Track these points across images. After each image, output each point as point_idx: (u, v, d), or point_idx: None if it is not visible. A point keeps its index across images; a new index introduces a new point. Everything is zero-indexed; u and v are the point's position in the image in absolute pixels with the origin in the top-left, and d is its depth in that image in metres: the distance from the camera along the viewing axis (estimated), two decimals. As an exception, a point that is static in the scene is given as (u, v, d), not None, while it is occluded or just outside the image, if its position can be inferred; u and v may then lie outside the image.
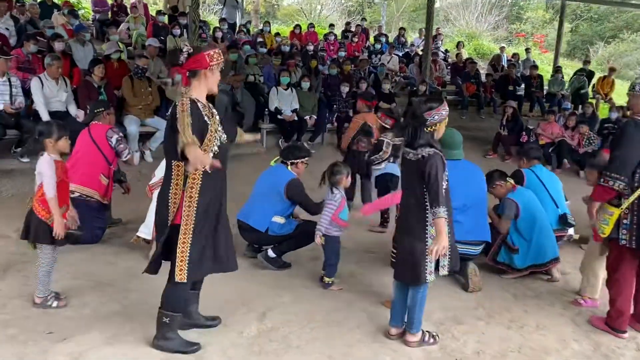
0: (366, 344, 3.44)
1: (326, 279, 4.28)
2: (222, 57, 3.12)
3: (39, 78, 6.54)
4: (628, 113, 7.37)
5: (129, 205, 5.52)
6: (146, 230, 4.56)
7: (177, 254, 2.94)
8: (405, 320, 3.46)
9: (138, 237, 4.61)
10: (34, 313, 3.54)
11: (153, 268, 3.19)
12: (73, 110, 6.85)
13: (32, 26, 9.28)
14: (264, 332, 3.46)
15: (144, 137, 7.53)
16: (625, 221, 3.59)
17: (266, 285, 4.22)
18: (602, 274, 4.04)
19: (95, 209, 4.79)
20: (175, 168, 2.94)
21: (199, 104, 2.93)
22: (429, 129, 3.21)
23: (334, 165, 4.33)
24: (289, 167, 4.67)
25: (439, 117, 3.23)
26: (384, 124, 5.53)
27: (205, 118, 2.93)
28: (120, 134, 5.09)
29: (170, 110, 3.00)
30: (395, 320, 3.51)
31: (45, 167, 3.44)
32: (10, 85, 6.38)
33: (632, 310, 3.80)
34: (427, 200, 3.19)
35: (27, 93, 6.73)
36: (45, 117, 6.24)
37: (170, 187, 2.97)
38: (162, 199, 3.03)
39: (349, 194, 6.26)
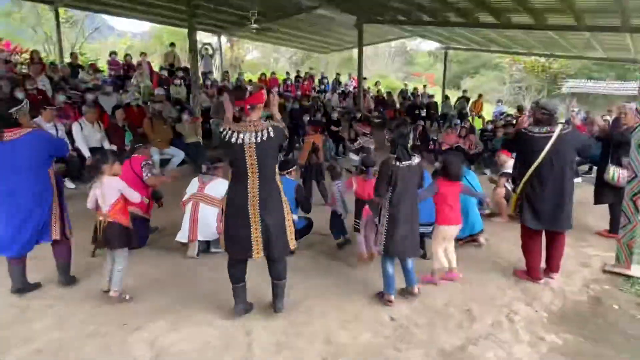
0: (369, 307, 3.30)
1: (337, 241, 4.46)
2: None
3: (79, 123, 6.01)
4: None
5: (163, 217, 5.12)
6: (182, 235, 4.26)
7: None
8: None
9: (177, 241, 4.28)
10: (104, 310, 3.18)
11: None
12: (107, 145, 6.34)
13: (65, 82, 8.58)
14: (292, 306, 3.25)
15: (164, 162, 7.08)
16: (519, 202, 3.70)
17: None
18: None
19: (139, 221, 4.38)
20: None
21: None
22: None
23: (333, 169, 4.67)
24: (287, 175, 4.48)
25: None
26: (364, 131, 5.46)
27: None
28: (150, 162, 4.72)
29: (273, 131, 2.81)
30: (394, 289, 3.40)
31: (119, 184, 3.23)
32: (57, 130, 5.81)
33: (544, 265, 3.83)
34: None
35: (68, 134, 6.17)
36: (86, 153, 5.75)
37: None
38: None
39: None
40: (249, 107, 2.80)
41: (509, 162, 5.70)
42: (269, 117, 3.01)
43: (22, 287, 3.35)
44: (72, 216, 3.61)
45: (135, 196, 3.31)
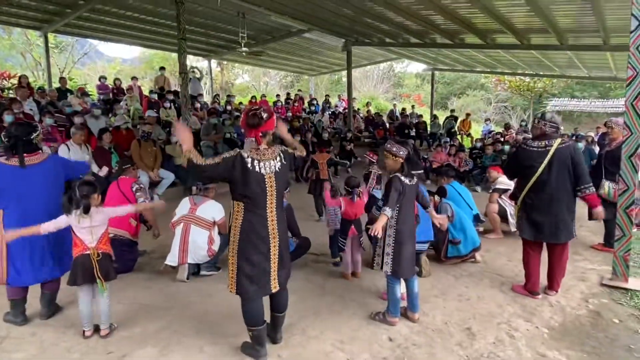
0: (365, 327, 3.19)
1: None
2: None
3: (66, 145, 5.92)
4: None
5: (152, 239, 4.98)
6: (172, 259, 4.12)
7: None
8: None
9: (166, 265, 4.15)
10: (91, 338, 3.01)
11: None
12: (95, 168, 6.21)
13: (52, 106, 8.50)
14: (286, 328, 3.11)
15: (153, 185, 6.96)
16: (519, 214, 3.73)
17: (274, 290, 3.88)
18: None
19: (127, 244, 4.27)
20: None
21: None
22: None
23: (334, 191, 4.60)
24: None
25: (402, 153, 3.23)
26: (371, 160, 5.37)
27: None
28: (141, 185, 4.61)
29: (284, 157, 2.70)
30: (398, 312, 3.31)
31: (106, 212, 3.05)
32: (43, 153, 5.69)
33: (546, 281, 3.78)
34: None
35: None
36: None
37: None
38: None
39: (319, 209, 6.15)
40: (261, 134, 2.63)
41: (500, 179, 5.72)
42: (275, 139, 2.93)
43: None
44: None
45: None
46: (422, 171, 4.46)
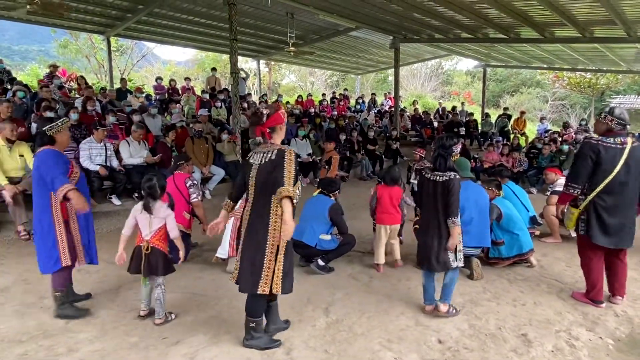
0: (413, 327, 3.12)
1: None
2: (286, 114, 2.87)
3: (127, 141, 6.28)
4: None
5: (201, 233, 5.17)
6: (222, 251, 4.24)
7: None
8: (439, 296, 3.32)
9: (217, 257, 4.27)
10: (146, 322, 3.17)
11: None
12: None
13: (112, 105, 9.06)
14: (332, 324, 3.13)
15: (205, 181, 7.22)
16: (582, 217, 3.38)
17: (320, 286, 3.87)
18: None
19: (181, 236, 4.42)
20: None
21: None
22: (452, 157, 3.03)
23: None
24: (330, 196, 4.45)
25: (457, 149, 3.09)
26: (419, 154, 5.63)
27: None
28: (194, 181, 4.78)
29: (276, 153, 2.66)
30: (429, 300, 3.32)
31: (167, 211, 3.17)
32: (106, 150, 6.07)
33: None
34: (446, 210, 3.06)
35: (116, 152, 6.42)
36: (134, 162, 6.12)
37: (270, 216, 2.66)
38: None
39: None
40: (268, 130, 2.71)
41: (559, 180, 5.38)
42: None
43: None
44: (114, 233, 3.66)
45: (174, 232, 3.18)
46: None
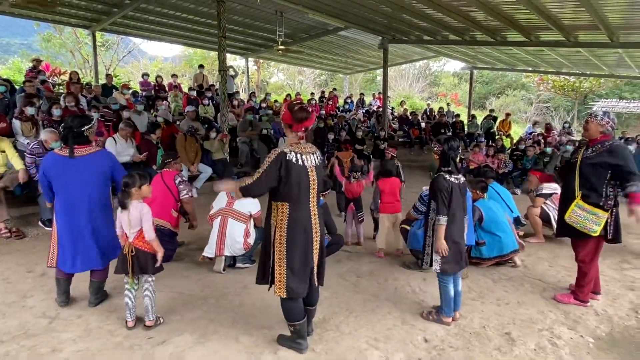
0: (399, 326, 3.15)
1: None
2: None
3: (113, 138, 6.16)
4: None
5: (190, 231, 5.12)
6: (210, 250, 4.22)
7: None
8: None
9: (204, 256, 4.24)
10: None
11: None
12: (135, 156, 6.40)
13: (96, 101, 8.92)
14: (320, 323, 3.14)
15: (192, 179, 7.16)
16: (609, 220, 3.34)
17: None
18: None
19: (168, 235, 4.40)
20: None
21: None
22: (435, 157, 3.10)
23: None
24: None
25: (438, 149, 3.16)
26: (390, 153, 6.24)
27: None
28: (184, 178, 4.74)
29: (319, 154, 2.70)
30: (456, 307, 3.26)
31: (143, 211, 2.94)
32: (91, 146, 5.96)
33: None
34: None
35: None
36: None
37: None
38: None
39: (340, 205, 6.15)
40: (303, 129, 2.57)
41: (544, 184, 5.46)
42: None
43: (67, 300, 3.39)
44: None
45: (149, 234, 2.96)
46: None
